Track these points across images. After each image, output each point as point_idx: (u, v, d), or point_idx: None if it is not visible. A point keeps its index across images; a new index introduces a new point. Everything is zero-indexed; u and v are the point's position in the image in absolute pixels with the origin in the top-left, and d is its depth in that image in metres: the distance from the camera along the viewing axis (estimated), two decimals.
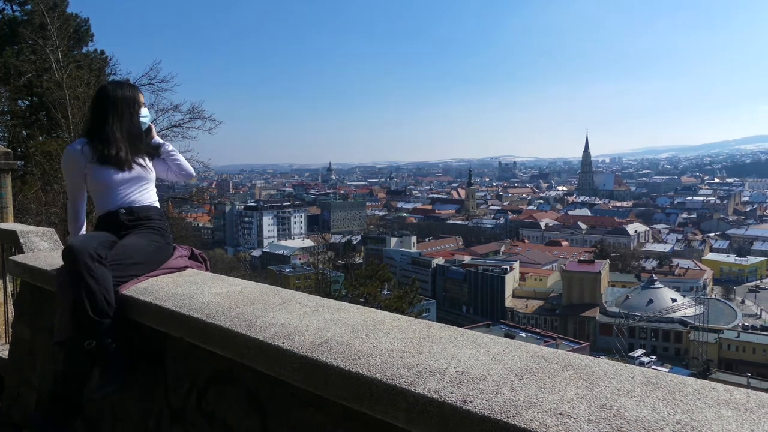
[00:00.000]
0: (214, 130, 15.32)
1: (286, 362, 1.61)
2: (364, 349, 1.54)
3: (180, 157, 2.94)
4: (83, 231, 2.76)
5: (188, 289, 2.29)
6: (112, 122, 2.61)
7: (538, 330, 67.04)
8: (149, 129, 2.90)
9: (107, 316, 2.17)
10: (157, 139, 2.94)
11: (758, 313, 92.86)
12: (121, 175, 2.59)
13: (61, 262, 2.36)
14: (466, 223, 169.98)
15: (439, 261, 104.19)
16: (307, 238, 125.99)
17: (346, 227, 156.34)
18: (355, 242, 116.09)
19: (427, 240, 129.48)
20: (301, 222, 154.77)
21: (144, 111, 2.77)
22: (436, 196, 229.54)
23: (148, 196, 2.71)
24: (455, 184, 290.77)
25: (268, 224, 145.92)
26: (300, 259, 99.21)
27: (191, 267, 2.77)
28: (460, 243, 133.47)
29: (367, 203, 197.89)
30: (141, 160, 2.70)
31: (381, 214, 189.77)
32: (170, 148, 2.92)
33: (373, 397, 1.37)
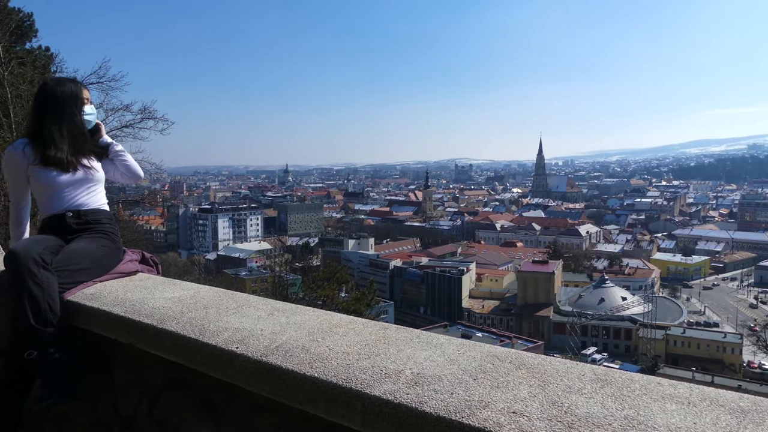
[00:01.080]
0: (166, 131, 14.84)
1: (240, 367, 1.59)
2: (320, 352, 1.54)
3: (128, 157, 2.83)
4: (26, 235, 2.64)
5: (138, 294, 2.23)
6: (52, 121, 2.50)
7: (494, 330, 68.17)
8: (97, 128, 2.77)
9: (50, 325, 2.08)
10: (106, 138, 2.81)
11: (702, 310, 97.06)
12: (66, 177, 2.49)
13: (1, 268, 2.26)
14: (424, 224, 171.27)
15: (396, 263, 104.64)
16: (264, 241, 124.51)
17: (303, 229, 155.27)
18: (312, 244, 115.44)
19: (384, 242, 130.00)
20: (258, 224, 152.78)
21: (88, 108, 2.64)
22: (393, 198, 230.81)
23: (96, 198, 2.61)
24: (412, 186, 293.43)
25: (224, 227, 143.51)
26: (256, 262, 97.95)
27: (142, 271, 2.69)
28: (418, 245, 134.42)
29: (325, 205, 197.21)
30: (87, 161, 2.58)
31: (338, 216, 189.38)
32: (119, 148, 2.80)
33: (329, 401, 1.37)
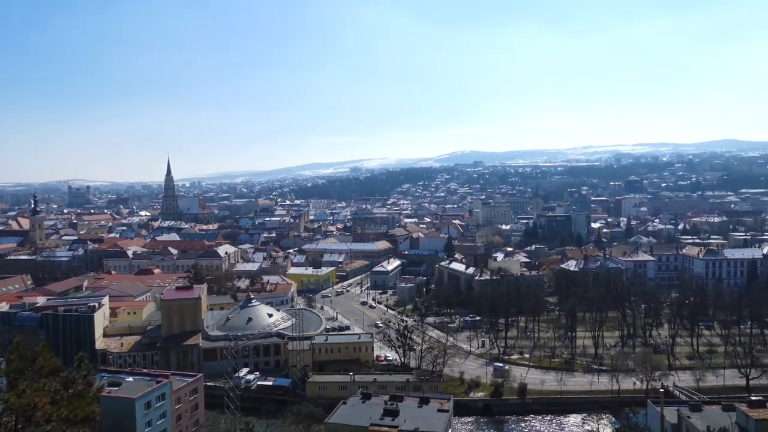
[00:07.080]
0: None
1: None
2: None
3: None
4: None
5: None
6: None
7: (145, 370, 60.58)
8: None
9: None
10: None
11: (335, 316, 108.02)
12: None
13: None
14: (35, 257, 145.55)
15: (2, 307, 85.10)
16: None
17: None
18: None
19: None
20: None
21: None
22: None
23: None
24: (13, 213, 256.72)
25: None
26: None
27: None
28: (29, 282, 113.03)
29: None
30: None
31: None
32: None
33: None
